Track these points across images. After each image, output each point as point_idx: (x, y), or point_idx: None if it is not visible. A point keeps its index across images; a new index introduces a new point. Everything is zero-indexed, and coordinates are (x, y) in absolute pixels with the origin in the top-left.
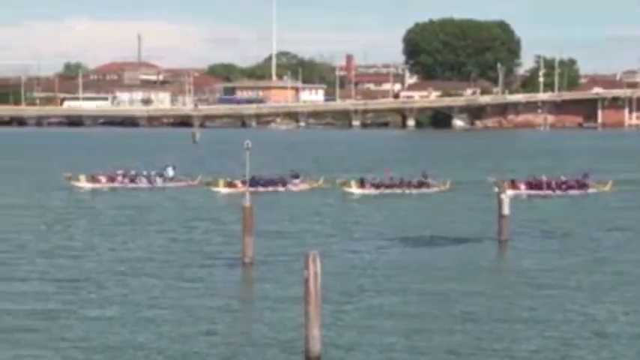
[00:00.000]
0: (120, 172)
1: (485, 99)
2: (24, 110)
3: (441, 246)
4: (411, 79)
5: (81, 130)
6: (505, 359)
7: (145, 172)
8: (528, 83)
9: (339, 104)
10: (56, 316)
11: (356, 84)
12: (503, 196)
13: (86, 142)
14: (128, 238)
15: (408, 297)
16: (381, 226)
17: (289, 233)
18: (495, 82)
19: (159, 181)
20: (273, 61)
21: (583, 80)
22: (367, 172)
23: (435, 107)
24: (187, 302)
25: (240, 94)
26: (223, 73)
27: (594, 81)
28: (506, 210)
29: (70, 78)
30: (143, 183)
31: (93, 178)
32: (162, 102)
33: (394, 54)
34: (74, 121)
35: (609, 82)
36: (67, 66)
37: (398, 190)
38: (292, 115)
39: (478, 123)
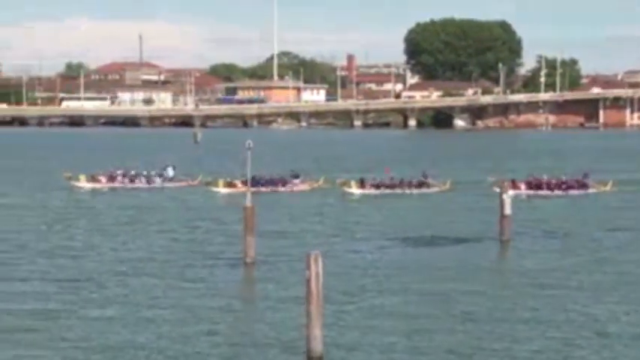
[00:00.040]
0: (120, 172)
1: (487, 99)
2: (25, 110)
3: (442, 246)
4: (412, 79)
5: (82, 130)
6: (506, 359)
7: (144, 172)
8: (530, 83)
9: (340, 104)
10: (57, 316)
11: (357, 84)
12: (505, 196)
13: (87, 142)
14: (129, 238)
15: (409, 297)
16: (382, 226)
17: (290, 233)
18: (497, 82)
19: (159, 181)
20: (275, 61)
21: (584, 80)
22: (368, 173)
23: (436, 107)
24: (189, 302)
25: (241, 94)
26: (225, 73)
27: (595, 81)
28: (507, 210)
29: (72, 78)
30: (143, 183)
31: (93, 178)
32: (164, 102)
33: (395, 54)
34: (75, 121)
35: (611, 82)
36: (69, 66)
37: (398, 191)
38: (294, 115)
39: (479, 123)
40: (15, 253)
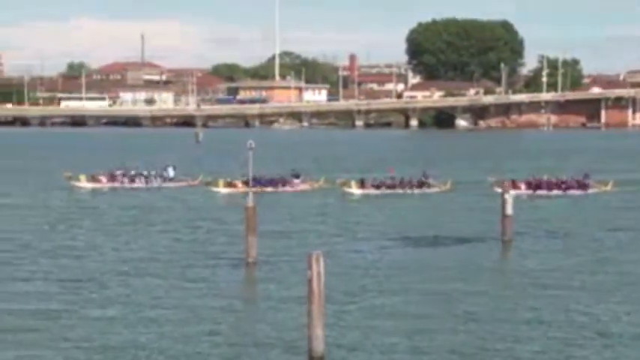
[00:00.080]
0: (119, 172)
1: (489, 99)
2: (27, 110)
3: (444, 246)
4: (414, 79)
5: (84, 130)
6: (508, 359)
7: (144, 172)
8: (531, 83)
9: (342, 104)
10: (58, 316)
11: (359, 84)
12: (506, 196)
13: (89, 142)
14: (130, 238)
15: (410, 297)
16: (383, 226)
17: (291, 233)
18: (498, 82)
19: (159, 181)
20: (277, 61)
21: (586, 80)
22: (369, 173)
23: (438, 107)
24: (190, 302)
25: (243, 94)
26: (226, 73)
27: (597, 81)
28: (509, 210)
29: (73, 78)
30: (143, 183)
31: (93, 178)
32: (166, 102)
33: (397, 54)
34: (77, 121)
35: (613, 82)
36: (71, 66)
37: (399, 191)
38: (295, 115)
39: (481, 123)
40: (17, 253)
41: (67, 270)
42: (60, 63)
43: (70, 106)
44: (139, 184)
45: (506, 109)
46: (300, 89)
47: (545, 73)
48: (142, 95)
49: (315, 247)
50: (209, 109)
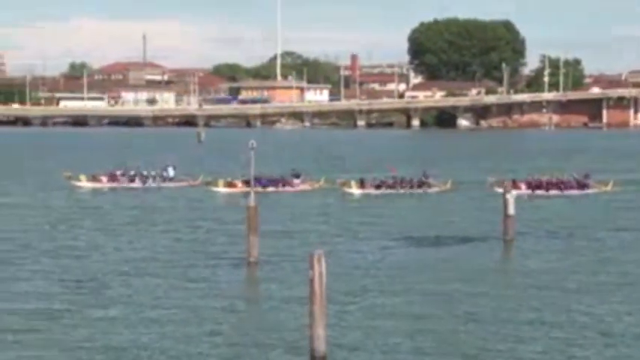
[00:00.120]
0: (119, 172)
1: (490, 99)
2: (29, 110)
3: (445, 246)
4: (415, 79)
5: (86, 130)
6: None
7: (145, 172)
8: (533, 83)
9: (343, 104)
10: (60, 316)
11: (361, 84)
12: (508, 195)
13: (90, 142)
14: (131, 238)
15: (412, 297)
16: (384, 226)
17: (292, 233)
18: (500, 81)
19: (159, 181)
20: (278, 61)
21: (588, 80)
22: (370, 172)
23: (439, 107)
24: (192, 302)
25: (245, 94)
26: (228, 73)
27: (599, 81)
28: (511, 210)
29: (75, 78)
30: (143, 183)
31: (94, 178)
32: (167, 102)
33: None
34: (79, 121)
35: (614, 82)
36: (72, 66)
37: (400, 190)
38: (297, 115)
39: (483, 123)
40: (17, 253)
41: (68, 270)
42: (62, 63)
43: (69, 106)
44: (139, 184)
45: (507, 109)
46: (301, 89)
47: (546, 72)
48: (143, 95)
49: (316, 246)
50: (211, 109)
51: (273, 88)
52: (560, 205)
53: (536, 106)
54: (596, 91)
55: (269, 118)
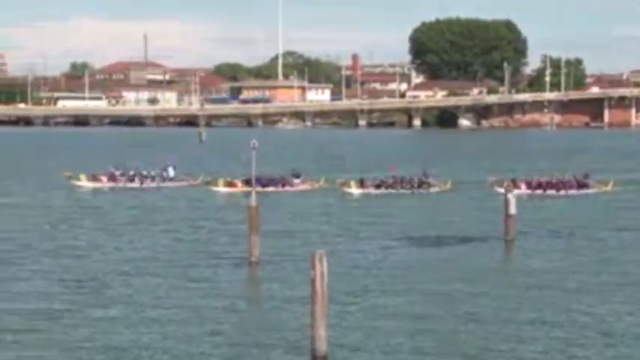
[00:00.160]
0: (119, 171)
1: (492, 98)
2: (30, 110)
3: (446, 246)
4: (417, 79)
5: (87, 130)
6: None
7: (144, 172)
8: (535, 83)
9: (345, 104)
10: (60, 316)
11: (362, 83)
12: (509, 195)
13: (92, 142)
14: (131, 238)
15: (413, 297)
16: (384, 226)
17: (293, 233)
18: (502, 81)
19: (159, 181)
20: (280, 61)
21: (589, 80)
22: (370, 172)
23: (441, 107)
24: (193, 302)
25: (246, 94)
26: (230, 72)
27: (600, 80)
28: (512, 210)
29: (77, 77)
30: (143, 183)
31: (94, 178)
32: (169, 102)
33: (400, 53)
34: (80, 120)
35: (616, 82)
36: (74, 66)
37: (400, 190)
38: (299, 115)
39: (484, 122)
40: (18, 253)
41: (68, 270)
42: (63, 63)
43: (68, 105)
44: (139, 183)
45: (509, 108)
46: (303, 89)
47: (548, 72)
48: (145, 95)
49: (317, 246)
50: (212, 108)
51: (275, 87)
52: (560, 204)
53: (538, 106)
54: (597, 90)
55: (270, 118)
